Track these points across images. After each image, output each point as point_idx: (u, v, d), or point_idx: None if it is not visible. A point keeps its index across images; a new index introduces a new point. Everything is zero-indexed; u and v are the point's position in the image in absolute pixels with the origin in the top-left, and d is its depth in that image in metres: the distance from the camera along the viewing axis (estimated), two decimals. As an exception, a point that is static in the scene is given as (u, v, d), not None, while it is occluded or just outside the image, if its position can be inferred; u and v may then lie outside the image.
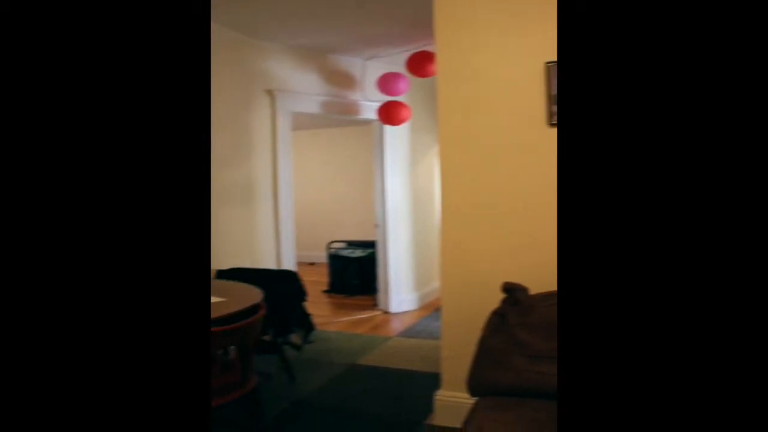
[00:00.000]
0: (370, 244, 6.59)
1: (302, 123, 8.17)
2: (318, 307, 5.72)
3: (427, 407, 2.96)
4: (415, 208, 5.61)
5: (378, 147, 5.29)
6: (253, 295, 2.44)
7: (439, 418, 2.80)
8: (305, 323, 3.39)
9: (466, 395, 2.11)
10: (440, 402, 2.82)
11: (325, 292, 6.50)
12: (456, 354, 2.71)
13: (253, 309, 2.23)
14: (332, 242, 6.69)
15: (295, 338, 3.27)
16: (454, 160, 2.71)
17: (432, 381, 3.35)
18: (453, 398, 2.74)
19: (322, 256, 8.63)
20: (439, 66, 2.74)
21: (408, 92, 4.95)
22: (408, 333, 4.61)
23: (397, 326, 4.86)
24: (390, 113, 4.71)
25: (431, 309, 5.49)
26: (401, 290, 5.41)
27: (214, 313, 2.11)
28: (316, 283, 7.12)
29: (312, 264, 9.01)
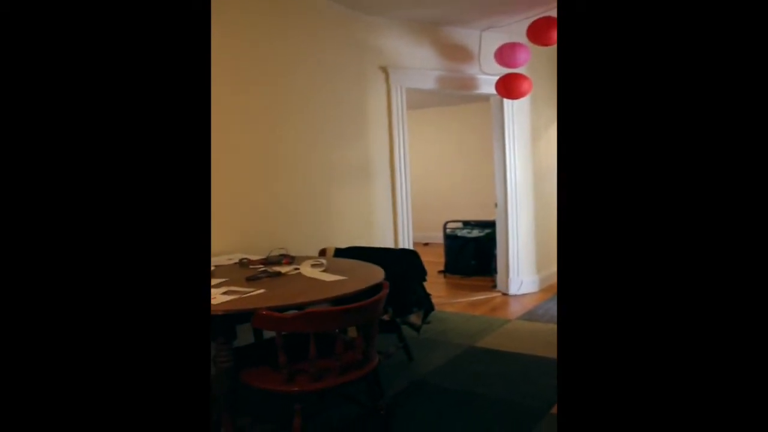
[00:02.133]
0: (488, 224, 6.42)
1: (417, 102, 8.10)
2: (434, 287, 5.66)
3: (551, 395, 2.79)
4: (536, 187, 5.35)
5: (497, 123, 5.08)
6: (374, 273, 2.41)
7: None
8: (425, 303, 3.33)
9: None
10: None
11: (441, 272, 6.43)
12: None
13: (375, 288, 2.19)
14: (448, 222, 6.59)
15: (414, 318, 3.23)
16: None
17: (554, 368, 3.17)
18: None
19: (437, 237, 8.59)
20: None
21: (527, 63, 4.69)
22: (529, 316, 4.42)
23: (516, 309, 4.68)
24: (510, 86, 4.48)
25: (552, 292, 5.23)
26: (521, 272, 5.21)
27: (334, 292, 2.10)
28: (431, 263, 7.07)
29: (426, 244, 8.98)
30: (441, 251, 6.59)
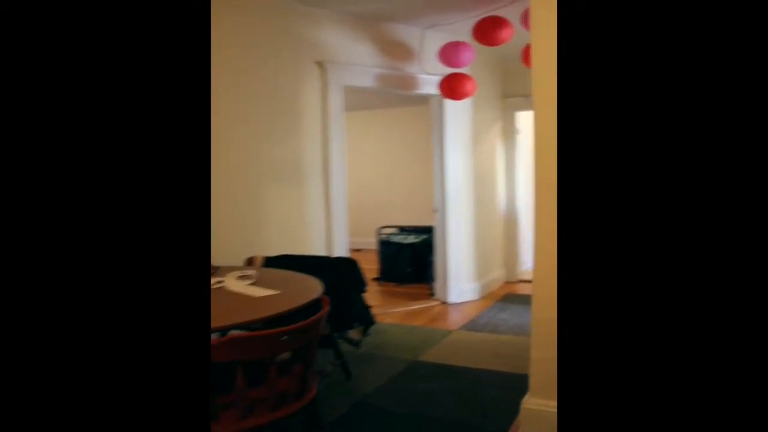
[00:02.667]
0: (424, 230, 6.23)
1: (354, 103, 7.82)
2: (369, 295, 5.39)
3: (505, 413, 2.59)
4: (477, 191, 5.20)
5: (437, 125, 4.88)
6: (312, 286, 2.11)
7: (526, 429, 2.43)
8: (365, 317, 3.06)
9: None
10: (528, 411, 2.44)
11: (376, 279, 6.18)
12: (549, 356, 2.32)
13: (313, 305, 1.89)
14: (383, 227, 6.35)
15: (354, 333, 2.94)
16: (552, 127, 2.28)
17: (507, 382, 2.98)
18: (545, 407, 2.36)
19: (369, 243, 8.32)
20: (535, 19, 2.32)
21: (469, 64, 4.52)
22: (471, 326, 4.23)
23: (457, 318, 4.49)
24: (454, 86, 4.29)
25: (493, 299, 5.09)
26: (461, 279, 5.03)
27: (266, 311, 1.79)
28: (365, 270, 6.80)
29: (358, 251, 8.70)
30: (374, 258, 6.33)
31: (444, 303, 4.98)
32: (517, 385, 2.85)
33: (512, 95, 5.69)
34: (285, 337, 1.65)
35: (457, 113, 4.89)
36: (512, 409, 2.59)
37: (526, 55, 3.97)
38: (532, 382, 2.45)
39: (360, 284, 3.03)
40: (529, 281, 5.96)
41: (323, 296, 1.99)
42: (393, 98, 7.71)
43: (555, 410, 2.21)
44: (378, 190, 8.76)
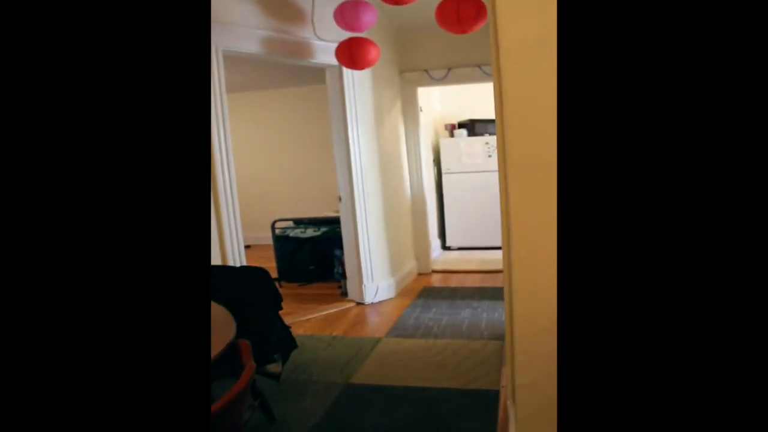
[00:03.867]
0: (324, 222, 5.56)
1: (239, 83, 6.88)
2: (272, 303, 4.65)
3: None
4: (383, 177, 4.62)
5: (336, 100, 4.22)
6: (218, 325, 1.39)
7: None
8: (288, 344, 2.36)
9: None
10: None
11: (276, 281, 5.42)
12: (538, 380, 1.78)
13: (225, 360, 1.18)
14: (276, 221, 5.58)
15: (274, 367, 2.24)
16: (530, 90, 1.70)
17: (467, 404, 2.44)
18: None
19: (260, 238, 7.49)
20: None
21: (370, 28, 3.90)
22: (400, 331, 3.66)
23: (380, 322, 3.90)
24: (354, 53, 3.65)
25: (411, 296, 4.56)
26: (376, 276, 4.44)
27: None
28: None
29: (248, 247, 7.82)
30: (268, 254, 5.56)
31: (360, 304, 4.37)
32: (480, 407, 2.32)
33: (409, 69, 5.17)
34: None
35: (357, 88, 4.26)
36: (492, 441, 2.05)
37: (440, 14, 3.43)
38: (519, 414, 1.89)
39: (276, 300, 2.32)
40: (443, 271, 5.52)
41: (241, 342, 1.29)
42: (282, 77, 6.90)
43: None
44: (267, 181, 7.92)
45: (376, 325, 3.83)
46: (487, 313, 3.92)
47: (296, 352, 3.27)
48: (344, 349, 3.33)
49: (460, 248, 6.71)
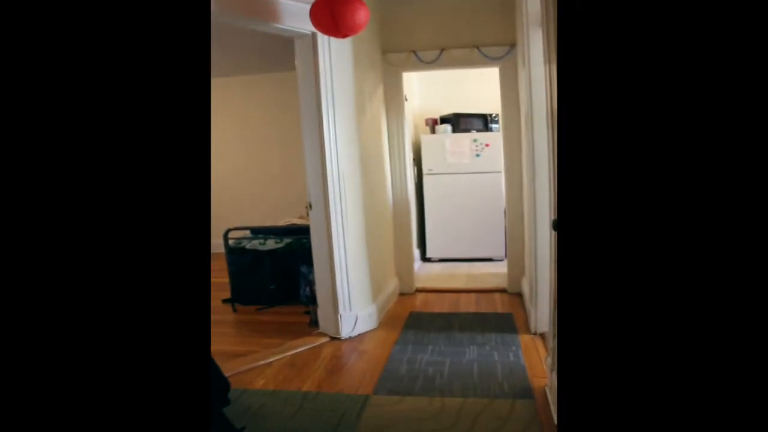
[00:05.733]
0: (287, 231, 4.63)
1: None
2: (224, 334, 3.69)
3: None
4: (364, 179, 3.73)
5: (308, 80, 3.30)
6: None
7: None
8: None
9: None
10: None
11: (228, 302, 4.47)
12: None
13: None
14: (230, 230, 4.61)
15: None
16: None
17: None
18: None
19: (215, 246, 6.46)
20: None
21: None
22: (393, 383, 2.78)
23: (363, 367, 3.01)
24: (336, 12, 2.75)
25: (397, 326, 3.68)
26: (355, 303, 3.54)
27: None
28: (213, 285, 5.03)
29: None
30: (223, 266, 4.60)
31: (335, 339, 3.47)
32: None
33: (394, 49, 4.30)
34: None
35: (336, 64, 3.35)
36: None
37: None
38: None
39: (223, 390, 1.41)
40: (428, 290, 4.67)
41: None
42: (241, 62, 5.92)
43: None
44: (219, 181, 6.90)
45: (359, 372, 2.93)
46: (498, 353, 3.08)
47: (245, 413, 2.36)
48: (320, 416, 2.43)
49: (441, 260, 5.89)
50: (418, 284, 4.74)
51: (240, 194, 6.81)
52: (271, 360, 3.13)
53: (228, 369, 2.96)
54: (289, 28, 3.08)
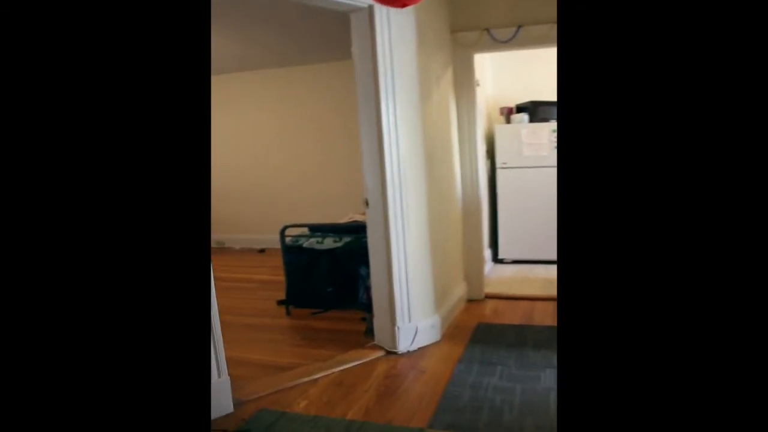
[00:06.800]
0: (347, 229, 4.30)
1: (240, 61, 5.65)
2: (272, 341, 3.41)
3: None
4: (429, 172, 3.32)
5: (365, 60, 2.92)
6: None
7: None
8: None
9: None
10: None
11: (282, 303, 4.20)
12: None
13: None
14: (287, 227, 4.33)
15: None
16: None
17: None
18: None
19: (276, 241, 6.29)
20: None
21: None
22: (452, 415, 2.37)
23: (420, 391, 2.62)
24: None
25: (463, 340, 3.26)
26: (414, 312, 3.15)
27: None
28: (270, 285, 4.82)
29: (263, 251, 6.65)
30: (282, 264, 4.34)
31: (391, 353, 3.09)
32: None
33: (464, 28, 3.85)
34: None
35: (396, 42, 2.95)
36: None
37: None
38: None
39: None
40: (499, 297, 4.21)
41: None
42: (294, 53, 5.65)
43: None
44: (279, 175, 6.70)
45: (415, 397, 2.54)
46: (580, 381, 2.60)
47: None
48: (365, 454, 2.06)
49: (515, 261, 5.39)
50: (488, 289, 4.28)
51: (300, 189, 6.57)
52: (317, 376, 2.79)
53: (269, 385, 2.66)
54: (346, 0, 2.71)
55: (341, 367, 2.90)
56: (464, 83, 3.93)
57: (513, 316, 3.72)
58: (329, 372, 2.84)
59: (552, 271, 4.97)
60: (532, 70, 5.56)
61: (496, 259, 5.49)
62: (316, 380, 2.76)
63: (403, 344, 3.08)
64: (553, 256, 5.15)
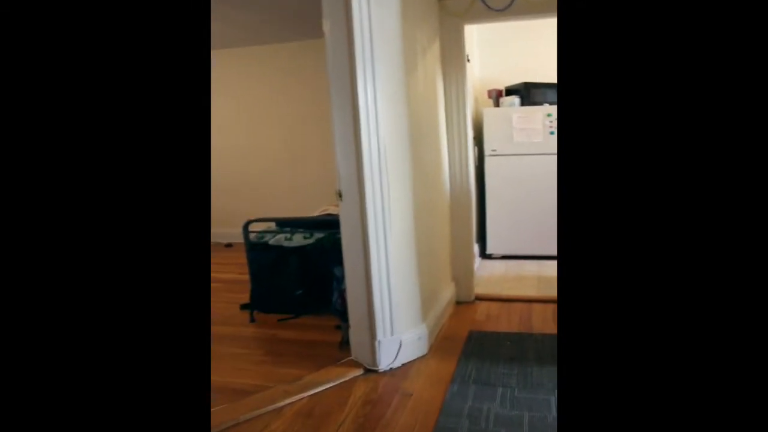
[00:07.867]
0: (319, 224, 3.81)
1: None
2: (232, 357, 2.91)
3: None
4: (414, 158, 2.85)
5: (338, 29, 2.43)
6: None
7: None
8: None
9: None
10: None
11: (245, 307, 3.71)
12: None
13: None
14: (251, 221, 3.81)
15: None
16: None
17: None
18: None
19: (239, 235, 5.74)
20: None
21: None
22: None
23: (407, 422, 2.16)
24: None
25: (453, 354, 2.81)
26: (398, 324, 2.68)
27: None
28: (232, 285, 4.32)
29: (230, 245, 6.13)
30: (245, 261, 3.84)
31: (370, 371, 2.63)
32: None
33: (453, -5, 3.37)
34: None
35: (374, 7, 2.46)
36: None
37: None
38: None
39: None
40: (490, 298, 3.77)
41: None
42: (262, 30, 5.11)
43: None
44: (244, 164, 6.17)
45: (400, 431, 2.08)
46: (597, 408, 2.16)
47: None
48: None
49: (505, 257, 4.97)
50: (479, 290, 3.85)
51: (269, 178, 6.05)
52: (282, 404, 2.31)
53: (224, 418, 2.17)
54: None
55: (312, 391, 2.42)
56: (453, 58, 3.46)
57: (509, 322, 3.29)
58: (297, 398, 2.36)
59: (545, 267, 4.56)
60: (522, 49, 5.12)
61: (484, 255, 5.06)
62: (280, 409, 2.28)
63: (385, 361, 2.62)
64: (546, 252, 4.74)
